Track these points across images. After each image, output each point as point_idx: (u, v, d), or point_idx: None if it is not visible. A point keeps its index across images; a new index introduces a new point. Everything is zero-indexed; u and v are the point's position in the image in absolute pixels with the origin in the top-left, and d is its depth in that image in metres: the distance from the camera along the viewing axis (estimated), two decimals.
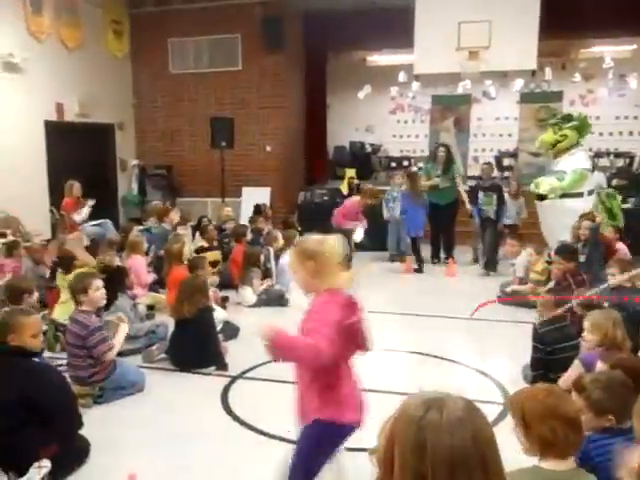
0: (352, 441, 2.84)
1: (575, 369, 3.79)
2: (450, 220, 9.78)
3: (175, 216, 9.09)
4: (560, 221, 7.71)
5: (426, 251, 10.13)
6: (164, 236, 8.43)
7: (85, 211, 9.00)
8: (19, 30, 9.90)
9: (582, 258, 6.71)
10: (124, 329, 5.00)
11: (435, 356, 5.67)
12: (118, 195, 12.59)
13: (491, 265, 9.14)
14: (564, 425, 2.20)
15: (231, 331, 6.24)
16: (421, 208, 9.52)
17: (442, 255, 9.98)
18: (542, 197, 8.23)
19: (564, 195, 8.03)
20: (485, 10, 10.09)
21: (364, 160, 13.93)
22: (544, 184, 8.19)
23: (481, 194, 9.31)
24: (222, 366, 5.36)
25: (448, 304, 7.57)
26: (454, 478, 1.17)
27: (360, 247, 10.41)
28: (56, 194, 9.92)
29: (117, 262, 6.74)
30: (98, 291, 4.73)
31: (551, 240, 8.15)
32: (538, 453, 2.24)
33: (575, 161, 8.15)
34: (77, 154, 11.01)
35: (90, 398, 4.56)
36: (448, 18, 10.20)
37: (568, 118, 8.50)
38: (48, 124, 10.50)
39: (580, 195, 8.13)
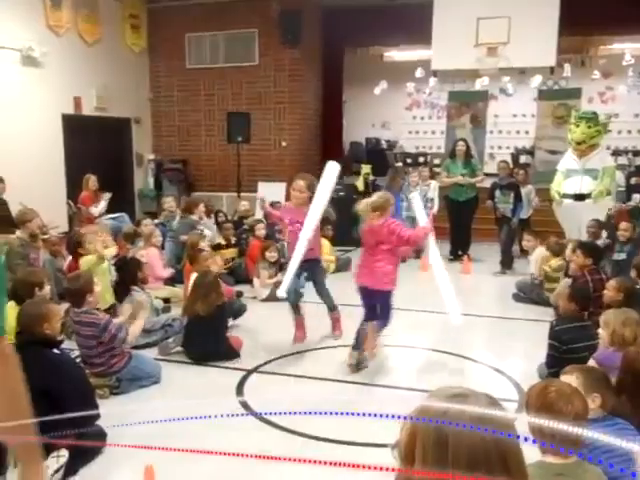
0: (371, 436, 2.85)
1: None
2: (468, 216, 9.73)
3: (201, 209, 9.12)
4: (587, 219, 7.65)
5: (444, 248, 10.11)
6: (191, 227, 8.52)
7: (102, 204, 9.07)
8: (38, 24, 9.99)
9: (622, 255, 6.75)
10: (143, 316, 5.04)
11: (450, 353, 5.66)
12: (134, 189, 12.67)
13: (506, 263, 9.10)
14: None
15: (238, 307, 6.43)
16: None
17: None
18: (582, 196, 8.13)
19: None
20: (504, 6, 10.04)
21: (379, 156, 13.89)
22: (574, 187, 8.15)
23: (498, 192, 9.27)
24: (234, 357, 5.41)
25: (463, 302, 7.54)
26: (475, 475, 1.17)
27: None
28: (73, 187, 10.00)
29: (130, 254, 6.84)
30: (98, 286, 4.81)
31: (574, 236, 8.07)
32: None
33: (604, 159, 8.15)
34: (94, 148, 11.09)
35: (107, 389, 4.60)
36: (467, 14, 10.16)
37: (596, 116, 8.46)
38: (66, 117, 10.57)
39: (610, 193, 8.14)
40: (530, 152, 13.81)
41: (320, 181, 5.67)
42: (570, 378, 2.72)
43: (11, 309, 4.31)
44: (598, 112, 8.82)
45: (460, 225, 9.83)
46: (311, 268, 5.98)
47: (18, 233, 6.88)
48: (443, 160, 11.17)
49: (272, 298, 7.49)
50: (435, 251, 5.38)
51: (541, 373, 4.76)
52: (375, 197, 5.22)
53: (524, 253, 8.90)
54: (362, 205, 5.13)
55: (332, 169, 5.73)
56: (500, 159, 11.20)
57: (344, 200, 11.48)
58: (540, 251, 7.63)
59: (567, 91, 13.53)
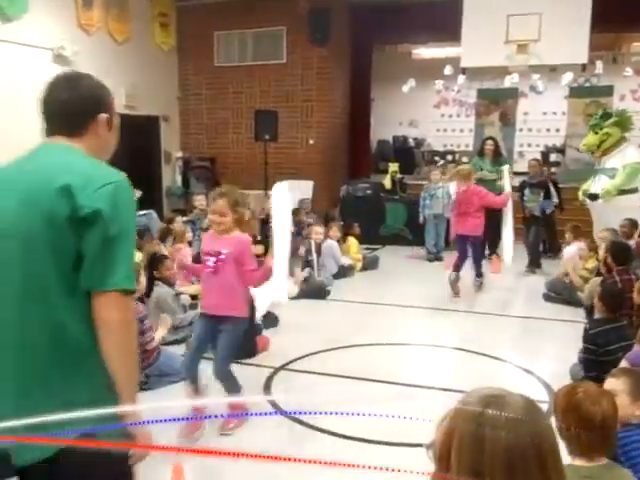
0: (404, 436, 2.83)
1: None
2: (496, 215, 9.59)
3: None
4: (617, 219, 7.52)
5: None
6: None
7: None
8: (69, 24, 10.10)
9: None
10: (162, 331, 5.11)
11: (479, 353, 5.61)
12: (162, 186, 12.76)
13: (535, 262, 8.99)
14: (579, 424, 2.17)
15: (271, 321, 6.28)
16: None
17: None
18: (594, 196, 8.04)
19: (620, 192, 7.85)
20: (535, 2, 9.92)
21: (407, 154, 13.83)
22: (593, 187, 8.03)
23: (527, 190, 9.15)
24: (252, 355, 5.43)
25: (492, 301, 7.48)
26: (511, 476, 1.14)
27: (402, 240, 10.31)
28: None
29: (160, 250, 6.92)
30: (141, 276, 4.86)
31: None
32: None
33: (626, 156, 7.97)
34: (123, 145, 10.96)
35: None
36: (497, 11, 10.05)
37: (606, 116, 8.29)
38: None
39: (635, 191, 7.94)
40: (561, 150, 13.61)
41: (273, 210, 4.96)
42: (616, 382, 2.65)
43: None
44: (614, 110, 8.68)
45: (488, 224, 9.70)
46: (223, 328, 4.00)
47: None
48: (471, 158, 11.06)
49: (300, 296, 7.52)
50: (510, 210, 8.32)
51: (574, 374, 4.68)
52: (463, 166, 7.99)
53: (557, 251, 8.79)
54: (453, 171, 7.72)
55: (280, 191, 5.01)
56: (530, 157, 11.05)
57: (371, 198, 11.52)
58: (573, 248, 7.54)
59: (599, 88, 13.31)
